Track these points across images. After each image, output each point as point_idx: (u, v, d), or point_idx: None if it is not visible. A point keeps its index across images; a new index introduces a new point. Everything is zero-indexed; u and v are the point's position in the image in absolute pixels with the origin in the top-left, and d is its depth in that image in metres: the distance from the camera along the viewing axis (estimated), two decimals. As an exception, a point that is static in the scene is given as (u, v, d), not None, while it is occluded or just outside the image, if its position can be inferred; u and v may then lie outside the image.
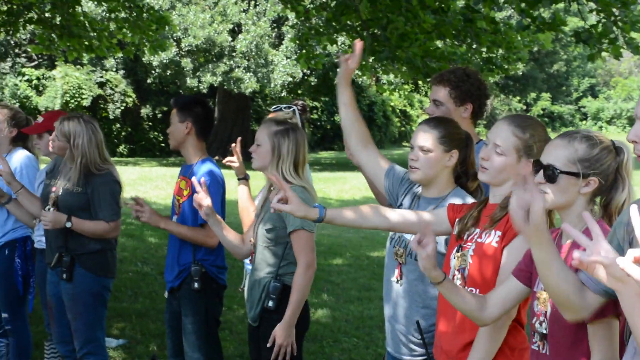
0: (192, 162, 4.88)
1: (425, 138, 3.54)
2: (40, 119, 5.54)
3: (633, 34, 8.76)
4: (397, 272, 3.64)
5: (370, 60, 9.48)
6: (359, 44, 3.82)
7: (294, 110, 5.10)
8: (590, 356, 2.56)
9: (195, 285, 4.69)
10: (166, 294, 4.98)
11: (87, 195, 4.88)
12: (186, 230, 4.74)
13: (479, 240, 3.13)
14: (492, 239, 3.08)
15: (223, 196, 4.85)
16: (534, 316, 2.77)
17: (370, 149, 3.90)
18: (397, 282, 3.64)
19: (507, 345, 3.08)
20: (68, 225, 4.81)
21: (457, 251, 3.19)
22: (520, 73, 38.55)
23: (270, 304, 4.09)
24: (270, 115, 5.03)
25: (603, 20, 8.61)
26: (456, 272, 3.19)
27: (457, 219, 3.27)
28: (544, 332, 2.70)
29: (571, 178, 2.65)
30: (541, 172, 2.69)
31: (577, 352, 2.63)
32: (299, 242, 4.06)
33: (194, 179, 4.38)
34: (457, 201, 3.45)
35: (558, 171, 2.66)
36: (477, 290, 3.09)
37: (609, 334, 2.54)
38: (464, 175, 3.62)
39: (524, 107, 55.51)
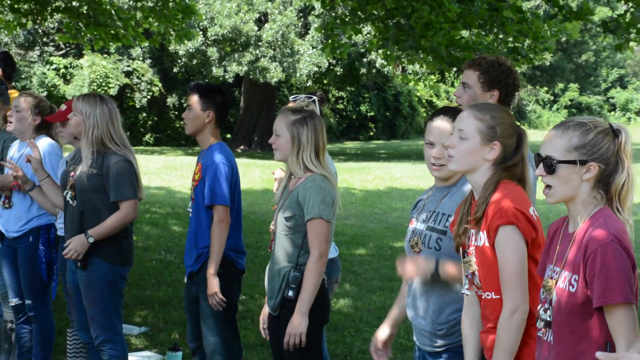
0: (205, 147, 4.95)
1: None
2: (63, 107, 5.55)
3: (662, 24, 8.65)
4: None
5: (395, 49, 9.43)
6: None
7: (313, 100, 5.08)
8: (614, 344, 2.55)
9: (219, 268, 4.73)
10: (185, 279, 5.01)
11: (102, 176, 4.85)
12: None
13: (475, 243, 3.13)
14: (482, 240, 3.08)
15: (236, 181, 4.90)
16: (539, 303, 2.77)
17: None
18: (414, 281, 3.62)
19: (527, 334, 3.06)
20: (91, 240, 4.80)
21: (463, 257, 3.20)
22: (548, 63, 38.15)
23: (290, 293, 4.09)
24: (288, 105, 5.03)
25: (632, 9, 8.51)
26: (465, 279, 3.20)
27: (453, 231, 3.27)
28: (549, 319, 2.72)
29: (570, 166, 2.66)
30: (541, 165, 2.71)
31: (582, 342, 2.62)
32: (314, 231, 4.05)
33: None
34: (467, 187, 3.42)
35: (555, 161, 2.67)
36: (493, 294, 3.09)
37: (631, 316, 2.53)
38: None
39: (552, 98, 55.04)
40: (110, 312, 4.93)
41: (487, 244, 3.07)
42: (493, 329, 3.14)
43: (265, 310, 4.40)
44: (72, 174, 4.97)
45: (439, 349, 3.56)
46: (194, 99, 4.89)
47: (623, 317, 2.53)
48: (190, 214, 4.97)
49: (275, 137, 4.23)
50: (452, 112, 3.56)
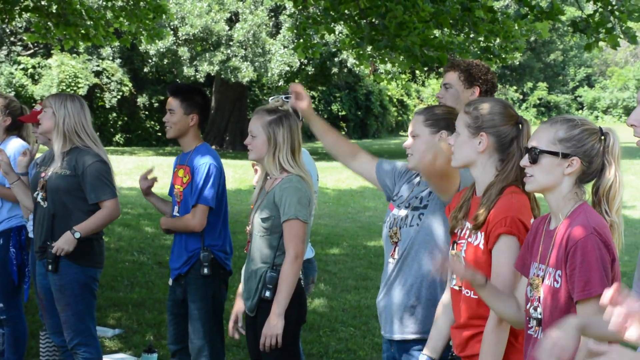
0: (190, 149, 4.92)
1: (413, 123, 3.60)
2: (38, 107, 5.49)
3: (630, 24, 8.75)
4: (391, 251, 3.64)
5: (369, 49, 9.44)
6: (296, 87, 4.12)
7: (289, 98, 5.07)
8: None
9: (205, 270, 4.74)
10: (170, 282, 4.98)
11: (76, 177, 4.80)
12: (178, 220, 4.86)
13: (469, 240, 3.14)
14: (478, 241, 3.09)
15: (223, 183, 4.91)
16: (528, 302, 2.79)
17: (359, 157, 4.08)
18: (394, 260, 3.62)
19: (511, 334, 3.07)
20: (77, 236, 4.75)
21: (452, 248, 3.21)
22: (517, 62, 38.49)
23: (267, 294, 4.08)
24: None
25: (600, 9, 8.60)
26: (452, 273, 3.20)
27: (450, 212, 3.27)
28: (539, 316, 2.75)
29: (553, 158, 2.70)
30: (526, 155, 2.76)
31: None
32: (290, 232, 4.05)
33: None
34: None
35: (538, 150, 2.71)
36: (472, 293, 3.10)
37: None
38: None
39: (521, 97, 55.45)
40: (83, 315, 4.87)
41: (482, 246, 3.09)
42: (465, 326, 3.17)
43: (236, 308, 4.41)
44: (42, 174, 4.91)
45: (410, 336, 3.56)
46: (176, 103, 4.87)
47: (598, 309, 2.54)
48: (177, 215, 4.95)
49: (251, 138, 4.22)
50: (423, 108, 3.70)
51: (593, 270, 2.56)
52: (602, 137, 2.73)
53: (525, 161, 2.77)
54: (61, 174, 4.81)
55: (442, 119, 3.55)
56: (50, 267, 4.81)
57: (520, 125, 3.15)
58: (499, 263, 3.03)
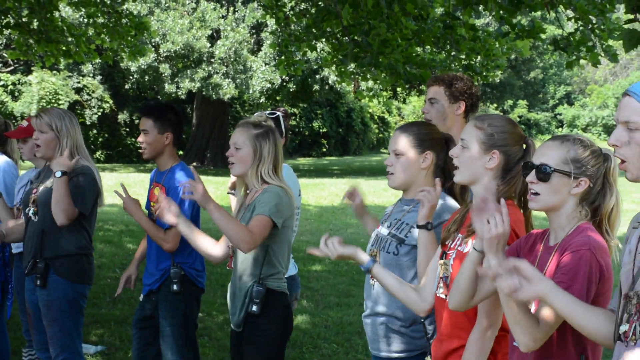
0: (166, 167, 4.91)
1: (398, 141, 3.59)
2: (24, 123, 5.47)
3: (610, 42, 8.85)
4: None
5: (352, 66, 9.49)
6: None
7: (277, 116, 5.08)
8: (587, 355, 2.60)
9: (174, 287, 4.71)
10: (142, 297, 4.96)
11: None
12: (152, 227, 4.77)
13: (459, 248, 3.14)
14: (468, 248, 3.07)
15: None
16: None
17: None
18: (374, 281, 3.64)
19: (492, 352, 3.08)
20: (58, 175, 4.66)
21: (441, 258, 3.21)
22: (498, 80, 38.76)
23: (255, 308, 4.06)
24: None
25: (581, 27, 8.69)
26: (440, 281, 3.20)
27: (445, 227, 3.28)
28: None
29: (563, 177, 2.70)
30: (533, 172, 2.73)
31: (552, 349, 2.64)
32: (255, 222, 3.96)
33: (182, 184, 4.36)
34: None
35: (552, 169, 2.70)
36: None
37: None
38: (449, 177, 3.53)
39: (501, 114, 55.77)
40: (70, 331, 4.85)
41: None
42: (448, 337, 3.17)
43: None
44: (34, 190, 4.91)
45: (395, 355, 3.57)
46: (149, 123, 4.84)
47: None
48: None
49: (235, 150, 4.17)
50: (408, 125, 3.67)
51: (577, 281, 2.55)
52: (604, 159, 2.75)
53: (532, 177, 2.74)
54: (51, 187, 4.80)
55: (427, 139, 3.56)
56: (38, 282, 4.79)
57: (527, 146, 3.15)
58: None
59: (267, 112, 4.93)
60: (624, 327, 2.30)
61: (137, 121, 33.12)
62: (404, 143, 3.57)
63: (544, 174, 2.71)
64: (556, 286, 2.43)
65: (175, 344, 4.78)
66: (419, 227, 3.39)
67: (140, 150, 4.98)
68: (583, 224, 2.71)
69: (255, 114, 4.84)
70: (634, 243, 2.35)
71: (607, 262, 2.63)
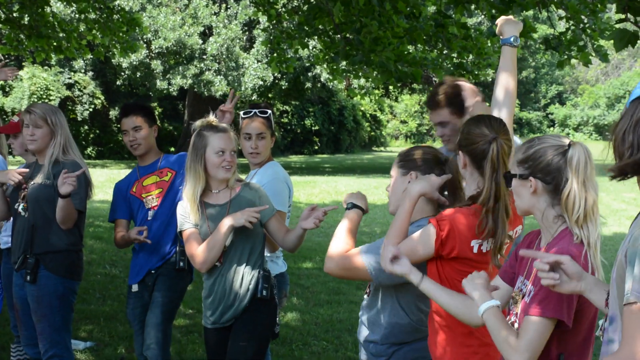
0: (152, 160, 5.13)
1: (392, 167, 3.59)
2: (16, 118, 5.45)
3: (601, 42, 8.88)
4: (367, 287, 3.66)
5: (343, 64, 9.49)
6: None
7: (268, 115, 5.04)
8: (558, 356, 2.59)
9: (181, 264, 4.82)
10: (136, 287, 4.98)
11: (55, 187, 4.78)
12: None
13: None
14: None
15: None
16: (507, 314, 2.79)
17: None
18: (366, 294, 3.64)
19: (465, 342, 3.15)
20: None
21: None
22: (490, 79, 38.81)
23: (265, 293, 4.15)
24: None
25: (572, 27, 8.72)
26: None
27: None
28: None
29: (516, 180, 2.73)
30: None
31: (541, 352, 2.64)
32: (282, 221, 4.34)
33: None
34: (415, 230, 3.30)
35: (508, 175, 2.76)
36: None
37: (544, 331, 2.55)
38: (451, 197, 3.44)
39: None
40: (60, 327, 4.85)
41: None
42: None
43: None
44: (24, 186, 4.89)
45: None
46: (141, 119, 5.07)
47: (538, 327, 2.55)
48: (151, 220, 5.00)
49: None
50: (405, 151, 3.64)
51: (553, 292, 2.52)
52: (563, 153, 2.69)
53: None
54: (43, 183, 4.80)
55: (411, 160, 3.48)
56: (28, 277, 4.78)
57: (490, 145, 3.20)
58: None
59: (257, 110, 4.90)
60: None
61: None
62: (394, 166, 3.56)
63: (505, 180, 2.79)
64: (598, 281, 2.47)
65: (162, 314, 4.89)
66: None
67: (133, 147, 5.09)
68: (563, 229, 2.68)
69: (243, 112, 4.86)
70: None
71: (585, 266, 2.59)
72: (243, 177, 4.54)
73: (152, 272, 4.96)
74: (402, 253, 3.03)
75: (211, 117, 4.31)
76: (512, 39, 3.84)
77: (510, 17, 4.02)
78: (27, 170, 4.95)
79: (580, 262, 2.56)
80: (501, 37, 3.92)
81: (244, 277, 4.16)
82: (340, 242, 3.46)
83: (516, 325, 2.70)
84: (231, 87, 29.34)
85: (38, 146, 4.89)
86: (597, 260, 2.60)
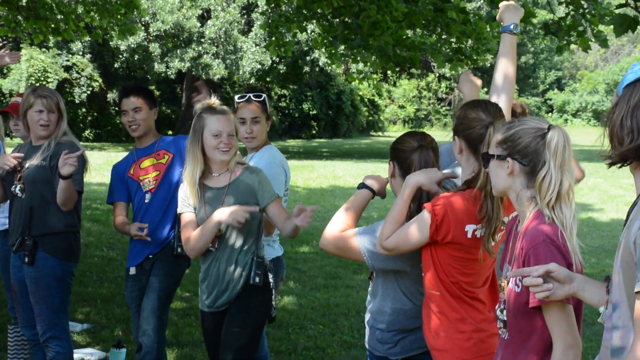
0: (150, 142, 5.11)
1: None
2: (18, 99, 5.41)
3: (601, 27, 8.86)
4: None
5: (342, 48, 9.45)
6: None
7: (263, 99, 5.02)
8: (550, 343, 2.59)
9: (179, 250, 4.75)
10: (133, 270, 4.98)
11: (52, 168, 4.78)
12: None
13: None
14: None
15: None
16: (497, 302, 2.80)
17: None
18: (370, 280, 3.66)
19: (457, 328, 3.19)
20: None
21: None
22: (489, 65, 38.74)
23: (257, 280, 4.14)
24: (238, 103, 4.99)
25: (572, 12, 8.69)
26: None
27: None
28: (505, 319, 2.73)
29: (494, 161, 2.75)
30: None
31: (529, 341, 2.65)
32: (282, 206, 4.31)
33: None
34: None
35: (486, 155, 2.79)
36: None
37: (564, 315, 2.56)
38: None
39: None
40: (58, 309, 4.86)
41: None
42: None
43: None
44: (19, 168, 4.88)
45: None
46: (142, 101, 5.03)
47: (558, 317, 2.55)
48: (148, 202, 4.99)
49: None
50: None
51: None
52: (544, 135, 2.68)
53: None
54: (39, 165, 4.79)
55: (392, 149, 3.53)
56: (26, 259, 4.78)
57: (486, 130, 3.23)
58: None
59: (252, 94, 4.89)
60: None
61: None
62: None
63: (483, 160, 2.83)
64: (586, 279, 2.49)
65: (158, 300, 4.88)
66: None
67: (132, 128, 5.07)
68: (537, 210, 2.68)
69: (238, 96, 4.85)
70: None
71: (566, 245, 2.59)
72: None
73: (150, 256, 4.95)
74: (399, 239, 3.14)
75: (212, 100, 4.28)
76: (512, 27, 3.85)
77: (512, 2, 4.01)
78: (22, 155, 4.92)
79: (559, 241, 2.57)
80: (501, 23, 3.92)
81: (237, 262, 4.16)
82: (338, 220, 3.53)
83: (505, 312, 2.70)
84: (229, 71, 29.30)
85: (51, 131, 4.89)
86: (573, 242, 2.60)
